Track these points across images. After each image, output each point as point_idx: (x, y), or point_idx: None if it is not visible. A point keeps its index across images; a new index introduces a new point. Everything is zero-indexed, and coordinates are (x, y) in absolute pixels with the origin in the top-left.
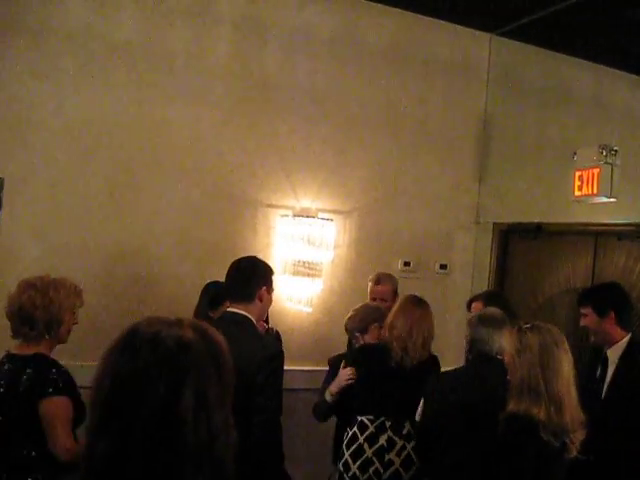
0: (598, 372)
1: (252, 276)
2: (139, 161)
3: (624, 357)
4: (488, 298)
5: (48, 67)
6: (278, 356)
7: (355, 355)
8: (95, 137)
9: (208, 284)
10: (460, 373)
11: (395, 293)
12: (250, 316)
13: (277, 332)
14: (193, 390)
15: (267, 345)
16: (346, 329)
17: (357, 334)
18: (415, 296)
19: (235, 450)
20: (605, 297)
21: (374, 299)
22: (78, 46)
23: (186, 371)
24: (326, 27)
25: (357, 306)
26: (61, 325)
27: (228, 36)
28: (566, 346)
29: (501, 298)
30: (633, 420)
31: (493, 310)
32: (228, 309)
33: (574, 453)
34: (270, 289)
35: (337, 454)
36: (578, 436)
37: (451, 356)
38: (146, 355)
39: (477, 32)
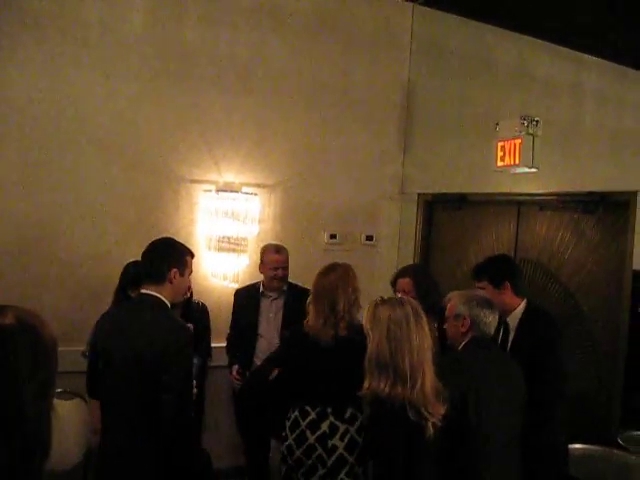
0: (499, 340)
1: (163, 258)
2: (53, 137)
3: (522, 322)
4: (417, 273)
5: None
6: (186, 336)
7: (287, 339)
8: (4, 113)
9: (128, 264)
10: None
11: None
12: (162, 297)
13: (203, 305)
14: None
15: (175, 326)
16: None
17: None
18: (327, 265)
19: (50, 429)
20: (499, 269)
21: (276, 269)
22: None
23: None
24: None
25: None
26: None
27: (144, 5)
28: (422, 321)
29: (428, 272)
30: (532, 380)
31: (480, 292)
32: (141, 291)
33: (431, 430)
34: (183, 271)
35: (273, 429)
36: (436, 411)
37: None
38: None
39: (400, 1)
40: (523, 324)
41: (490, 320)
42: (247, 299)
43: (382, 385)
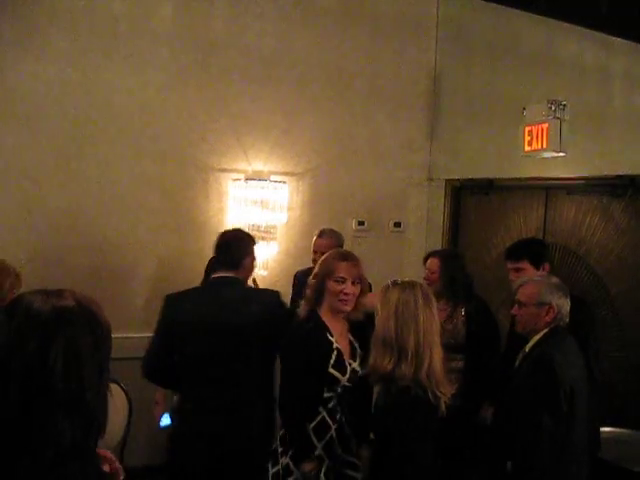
0: None
1: (240, 247)
2: (85, 129)
3: None
4: (446, 255)
5: None
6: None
7: None
8: (39, 107)
9: (211, 259)
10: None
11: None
12: (239, 277)
13: None
14: (62, 347)
15: (271, 293)
16: None
17: None
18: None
19: (107, 409)
20: (540, 250)
21: (315, 252)
22: (17, 13)
23: (55, 331)
24: None
25: None
26: None
27: None
28: (431, 304)
29: (459, 259)
30: None
31: (555, 278)
32: (218, 274)
33: (443, 409)
34: (253, 258)
35: None
36: (445, 390)
37: None
38: (19, 319)
39: None
40: None
41: (568, 308)
42: (303, 281)
43: (385, 362)
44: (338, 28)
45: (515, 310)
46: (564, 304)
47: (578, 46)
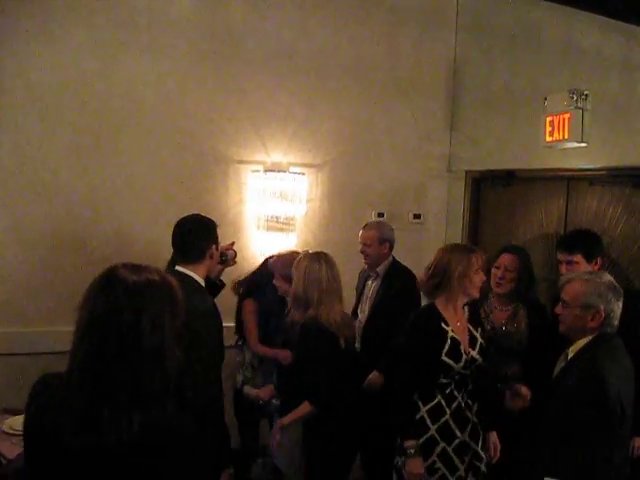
0: None
1: (201, 236)
2: (104, 121)
3: None
4: (522, 252)
5: (5, 28)
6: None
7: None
8: (58, 98)
9: None
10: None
11: (380, 241)
12: (198, 279)
13: None
14: (150, 316)
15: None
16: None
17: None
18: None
19: (178, 363)
20: (594, 244)
21: (360, 244)
22: (35, 5)
23: (146, 303)
24: None
25: None
26: None
27: None
28: (333, 270)
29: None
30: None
31: (607, 276)
32: (177, 269)
33: (342, 344)
34: (217, 245)
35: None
36: (345, 333)
37: None
38: (118, 292)
39: None
40: None
41: (619, 313)
42: (362, 278)
43: (297, 313)
44: (357, 18)
45: (559, 309)
46: (615, 308)
47: (600, 35)
